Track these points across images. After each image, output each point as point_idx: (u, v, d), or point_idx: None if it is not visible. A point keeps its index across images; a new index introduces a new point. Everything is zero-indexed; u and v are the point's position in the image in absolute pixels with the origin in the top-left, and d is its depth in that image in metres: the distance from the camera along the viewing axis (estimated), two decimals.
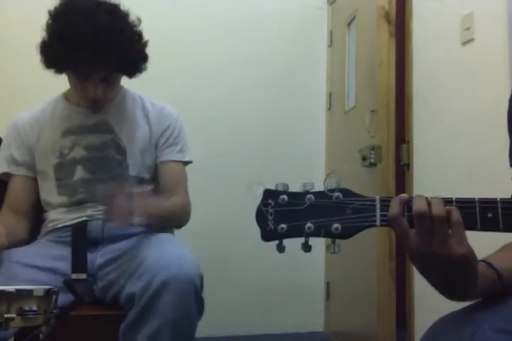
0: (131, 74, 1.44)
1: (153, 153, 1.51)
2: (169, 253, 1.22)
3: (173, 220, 1.47)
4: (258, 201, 0.71)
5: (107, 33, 1.27)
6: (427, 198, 0.69)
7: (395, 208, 0.69)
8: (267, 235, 0.70)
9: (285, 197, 0.71)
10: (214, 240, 2.52)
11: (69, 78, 1.41)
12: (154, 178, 1.54)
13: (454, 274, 0.69)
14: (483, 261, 0.77)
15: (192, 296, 1.13)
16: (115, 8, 1.34)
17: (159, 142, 1.52)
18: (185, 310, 1.12)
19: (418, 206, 0.68)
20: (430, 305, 1.92)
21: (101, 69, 1.33)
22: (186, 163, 1.57)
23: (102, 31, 1.26)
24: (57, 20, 1.31)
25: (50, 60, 1.35)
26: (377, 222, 0.70)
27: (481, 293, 0.74)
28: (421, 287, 2.00)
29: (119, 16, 1.33)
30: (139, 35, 1.40)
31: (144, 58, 1.43)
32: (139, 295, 1.12)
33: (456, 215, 0.67)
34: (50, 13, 1.32)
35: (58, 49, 1.30)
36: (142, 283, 1.13)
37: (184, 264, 1.16)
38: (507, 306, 0.71)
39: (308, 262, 2.61)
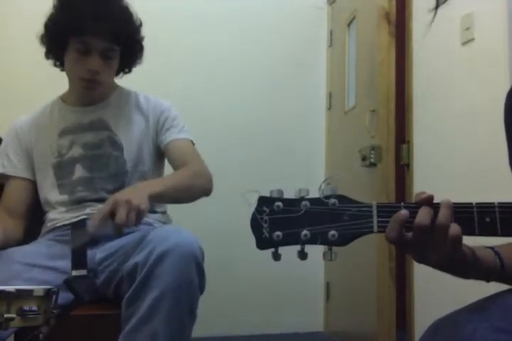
0: (128, 55, 1.48)
1: (152, 145, 1.52)
2: (168, 228, 1.26)
3: (195, 184, 1.41)
4: (253, 209, 0.69)
5: (107, 3, 1.39)
6: (433, 206, 0.69)
7: (393, 231, 0.68)
8: (262, 243, 0.69)
9: (280, 204, 0.69)
10: (214, 240, 2.51)
11: (69, 55, 1.41)
12: (158, 171, 1.56)
13: (449, 270, 0.72)
14: (492, 248, 0.77)
15: (192, 264, 1.13)
16: None
17: (157, 129, 1.53)
18: (186, 276, 1.12)
19: (420, 220, 0.67)
20: (430, 305, 1.92)
21: (103, 36, 1.37)
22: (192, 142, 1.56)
23: (104, 2, 1.38)
24: None
25: (55, 30, 1.39)
26: (375, 229, 0.69)
27: (481, 277, 0.76)
28: (421, 287, 2.00)
29: None
30: (135, 15, 1.46)
31: (140, 45, 1.50)
32: (142, 264, 1.13)
33: (456, 230, 0.67)
34: None
35: (65, 16, 1.36)
36: (144, 253, 1.14)
37: (183, 236, 1.17)
38: (506, 305, 0.71)
39: (308, 262, 2.54)
